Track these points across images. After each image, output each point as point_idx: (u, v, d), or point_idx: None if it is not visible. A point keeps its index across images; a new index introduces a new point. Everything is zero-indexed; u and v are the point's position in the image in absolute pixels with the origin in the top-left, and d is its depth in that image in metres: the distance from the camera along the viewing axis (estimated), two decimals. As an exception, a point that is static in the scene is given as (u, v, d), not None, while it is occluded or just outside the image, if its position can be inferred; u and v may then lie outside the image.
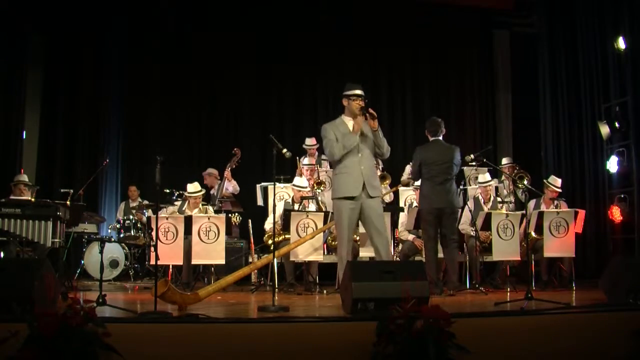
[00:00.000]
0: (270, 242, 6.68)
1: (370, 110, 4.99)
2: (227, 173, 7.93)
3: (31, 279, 3.80)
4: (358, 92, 5.14)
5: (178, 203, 7.38)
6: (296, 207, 6.82)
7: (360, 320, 3.56)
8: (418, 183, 7.08)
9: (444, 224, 6.05)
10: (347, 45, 9.77)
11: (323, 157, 8.62)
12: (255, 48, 9.61)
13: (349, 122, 5.16)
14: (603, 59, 8.29)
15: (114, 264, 7.83)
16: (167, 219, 6.58)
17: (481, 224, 6.65)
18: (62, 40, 9.25)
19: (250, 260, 6.98)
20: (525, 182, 7.39)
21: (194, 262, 6.59)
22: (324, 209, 6.88)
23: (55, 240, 5.59)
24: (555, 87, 9.13)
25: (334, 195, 5.16)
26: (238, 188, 8.19)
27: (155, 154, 4.53)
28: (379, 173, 7.16)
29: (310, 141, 8.45)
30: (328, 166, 8.47)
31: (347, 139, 5.01)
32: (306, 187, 6.90)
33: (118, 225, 8.06)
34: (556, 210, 6.90)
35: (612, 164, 8.12)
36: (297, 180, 7.00)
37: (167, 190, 7.33)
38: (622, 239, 7.94)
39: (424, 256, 6.66)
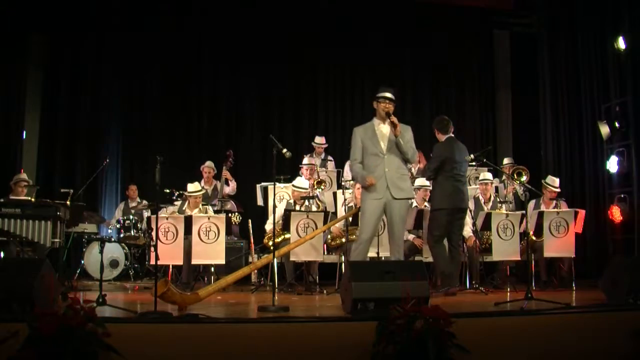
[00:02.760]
0: (270, 243, 6.68)
1: (392, 119, 5.07)
2: (227, 174, 7.92)
3: (31, 279, 3.80)
4: (387, 95, 5.20)
5: (178, 203, 7.38)
6: (298, 207, 6.82)
7: (360, 320, 3.56)
8: (418, 183, 7.09)
9: (456, 223, 6.00)
10: (347, 45, 9.77)
11: (330, 158, 8.64)
12: (255, 48, 9.60)
13: (379, 126, 5.25)
14: (603, 59, 8.28)
15: (114, 264, 7.83)
16: (167, 219, 6.58)
17: (481, 224, 6.65)
18: (62, 40, 9.25)
19: (250, 260, 6.98)
20: (524, 178, 7.38)
21: (194, 262, 6.59)
22: (323, 209, 6.88)
23: (55, 240, 5.58)
24: (555, 87, 9.12)
25: (362, 197, 5.25)
26: (235, 190, 8.18)
27: (155, 154, 4.53)
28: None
29: (319, 139, 8.47)
30: (333, 167, 8.49)
31: (362, 178, 5.12)
32: (305, 189, 6.90)
33: (118, 225, 8.06)
34: (556, 210, 6.90)
35: (612, 164, 8.11)
36: (297, 180, 7.02)
37: (167, 190, 7.33)
38: (622, 239, 7.93)
39: (424, 256, 6.67)
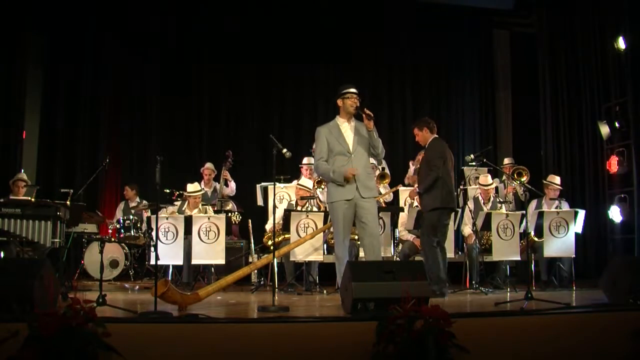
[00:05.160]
0: (270, 242, 6.68)
1: (367, 111, 5.02)
2: (226, 174, 7.91)
3: (31, 279, 3.80)
4: (352, 90, 5.17)
5: (178, 203, 7.38)
6: (299, 208, 6.82)
7: (360, 320, 3.56)
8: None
9: (445, 224, 5.87)
10: (347, 45, 9.77)
11: None
12: (255, 48, 9.60)
13: (343, 124, 5.20)
14: (603, 59, 8.29)
15: (114, 264, 7.83)
16: (167, 219, 6.58)
17: (481, 224, 6.65)
18: (62, 40, 9.24)
19: (250, 260, 6.98)
20: (524, 178, 7.38)
21: (194, 262, 6.59)
22: (323, 208, 6.89)
23: (55, 240, 5.58)
24: (555, 87, 9.13)
25: (328, 200, 5.18)
26: (235, 190, 8.17)
27: (155, 154, 4.53)
28: (377, 172, 7.15)
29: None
30: None
31: (337, 175, 5.00)
32: (310, 189, 6.90)
33: (118, 225, 8.06)
34: (556, 210, 6.90)
35: (612, 164, 8.11)
36: (303, 180, 7.02)
37: (167, 190, 7.32)
38: (622, 239, 7.94)
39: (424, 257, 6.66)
